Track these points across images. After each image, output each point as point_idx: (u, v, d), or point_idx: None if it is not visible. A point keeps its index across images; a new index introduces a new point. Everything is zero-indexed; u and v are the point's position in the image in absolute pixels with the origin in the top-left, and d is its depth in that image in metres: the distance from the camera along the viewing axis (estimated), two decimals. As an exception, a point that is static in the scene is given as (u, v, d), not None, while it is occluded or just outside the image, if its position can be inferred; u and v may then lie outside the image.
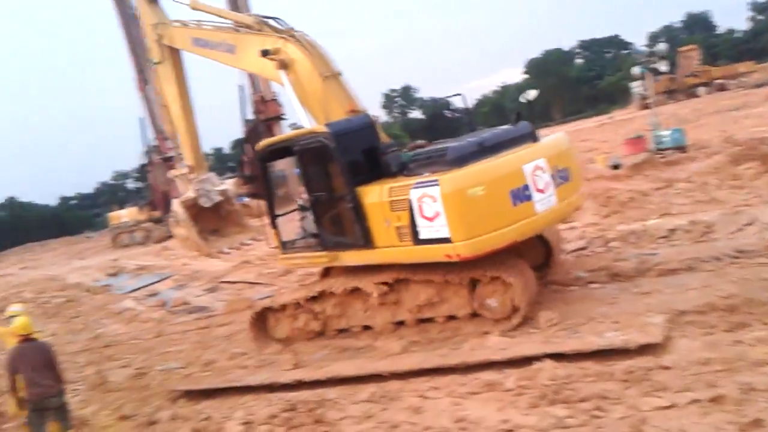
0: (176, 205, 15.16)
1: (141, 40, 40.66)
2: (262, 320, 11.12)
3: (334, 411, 7.83)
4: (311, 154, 10.21)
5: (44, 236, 77.23)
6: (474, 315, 9.44)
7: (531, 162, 9.09)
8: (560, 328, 8.57)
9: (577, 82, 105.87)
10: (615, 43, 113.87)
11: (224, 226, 15.62)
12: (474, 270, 9.13)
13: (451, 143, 9.63)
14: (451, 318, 9.65)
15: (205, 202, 14.57)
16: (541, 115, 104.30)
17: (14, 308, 9.50)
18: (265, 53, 10.92)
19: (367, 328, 10.30)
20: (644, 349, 7.22)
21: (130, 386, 10.86)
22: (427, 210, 8.73)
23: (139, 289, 20.71)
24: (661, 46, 28.70)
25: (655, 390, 6.41)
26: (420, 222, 8.83)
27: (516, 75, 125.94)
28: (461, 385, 7.68)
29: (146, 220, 42.15)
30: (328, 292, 10.34)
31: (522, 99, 10.54)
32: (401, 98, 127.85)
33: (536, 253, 10.91)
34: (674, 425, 5.73)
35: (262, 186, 11.61)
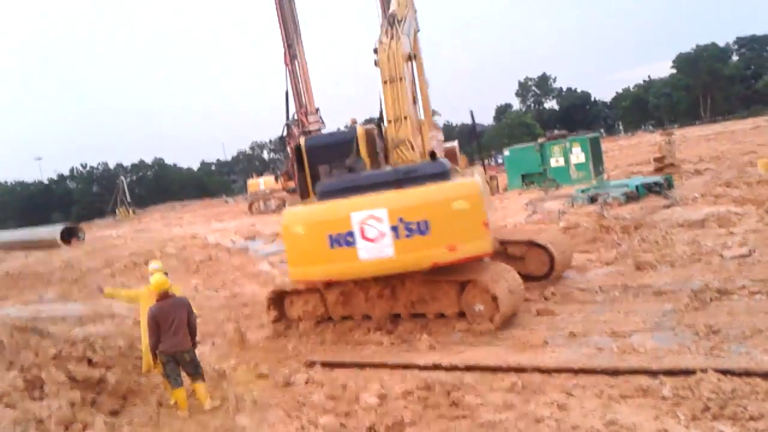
0: None
1: (292, 15, 41.95)
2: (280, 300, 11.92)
3: (472, 396, 7.59)
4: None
5: (185, 197, 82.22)
6: (461, 314, 10.07)
7: (364, 210, 9.53)
8: (722, 339, 7.94)
9: (731, 80, 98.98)
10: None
11: None
12: (459, 274, 9.91)
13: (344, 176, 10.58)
14: (441, 315, 10.29)
15: None
16: (688, 113, 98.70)
17: (154, 265, 9.76)
18: (374, 49, 11.59)
19: (367, 317, 10.88)
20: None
21: (267, 347, 11.15)
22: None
23: (274, 253, 21.39)
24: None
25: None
26: None
27: (663, 69, 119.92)
28: (610, 386, 7.23)
29: (282, 190, 43.64)
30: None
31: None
32: (536, 87, 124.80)
33: (540, 263, 11.93)
34: None
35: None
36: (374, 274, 10.07)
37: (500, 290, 9.62)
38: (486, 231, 9.56)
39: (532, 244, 12.09)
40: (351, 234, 9.56)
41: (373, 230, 9.46)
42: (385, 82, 11.23)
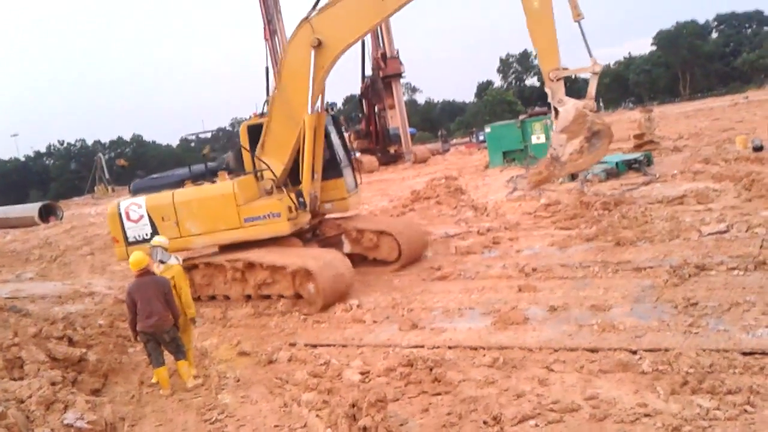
0: None
1: (270, -10, 41.54)
2: None
3: (454, 372, 7.64)
4: None
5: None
6: (298, 296, 11.41)
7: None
8: (700, 314, 8.04)
9: (710, 58, 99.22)
10: (757, 18, 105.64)
11: None
12: (293, 262, 11.22)
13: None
14: (282, 296, 11.58)
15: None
16: (667, 90, 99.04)
17: (159, 239, 9.52)
18: None
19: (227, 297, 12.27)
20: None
21: (249, 324, 11.13)
22: None
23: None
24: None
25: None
26: None
27: (644, 47, 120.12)
28: (591, 362, 7.31)
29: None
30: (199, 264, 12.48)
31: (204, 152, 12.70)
32: (518, 64, 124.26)
33: (391, 249, 13.16)
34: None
35: None
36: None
37: (323, 276, 10.86)
38: (115, 245, 13.02)
39: (383, 233, 13.26)
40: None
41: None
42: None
